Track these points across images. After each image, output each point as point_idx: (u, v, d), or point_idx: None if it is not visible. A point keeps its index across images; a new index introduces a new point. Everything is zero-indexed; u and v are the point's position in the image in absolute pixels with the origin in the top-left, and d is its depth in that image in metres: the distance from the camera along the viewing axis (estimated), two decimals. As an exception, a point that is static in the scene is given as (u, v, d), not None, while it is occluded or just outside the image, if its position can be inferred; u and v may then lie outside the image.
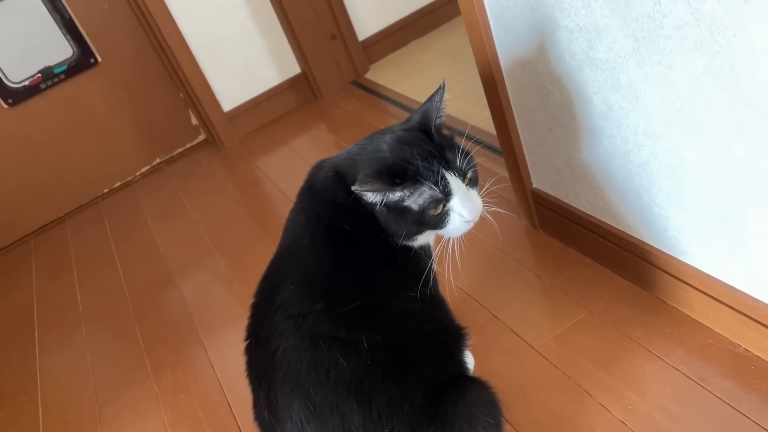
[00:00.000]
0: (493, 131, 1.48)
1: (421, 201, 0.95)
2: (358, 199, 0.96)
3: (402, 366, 0.93)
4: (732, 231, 1.00)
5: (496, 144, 1.54)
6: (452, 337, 1.05)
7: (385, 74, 2.68)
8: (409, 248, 1.03)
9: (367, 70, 2.77)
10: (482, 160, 1.80)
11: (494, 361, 1.28)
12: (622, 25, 0.95)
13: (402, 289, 0.99)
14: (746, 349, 1.09)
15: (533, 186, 1.48)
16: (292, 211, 1.06)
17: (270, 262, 1.06)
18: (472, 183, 1.00)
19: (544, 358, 1.24)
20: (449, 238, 1.04)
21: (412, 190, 0.95)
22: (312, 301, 0.94)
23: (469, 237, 1.58)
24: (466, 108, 2.08)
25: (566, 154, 1.28)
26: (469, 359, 1.21)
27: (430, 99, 1.02)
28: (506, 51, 1.26)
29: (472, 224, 0.99)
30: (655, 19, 0.89)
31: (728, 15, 0.79)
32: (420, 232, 0.99)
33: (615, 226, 1.28)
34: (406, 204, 0.96)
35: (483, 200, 1.01)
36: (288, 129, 2.62)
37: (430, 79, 2.45)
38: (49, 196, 2.61)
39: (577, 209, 1.36)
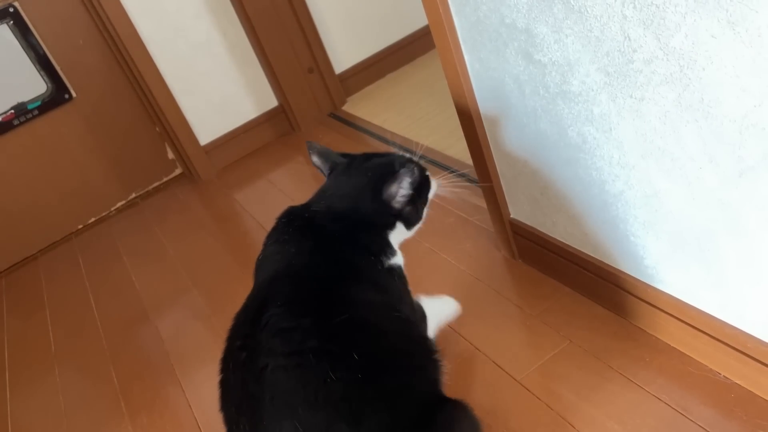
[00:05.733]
0: (470, 162, 1.49)
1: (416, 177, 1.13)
2: (355, 229, 1.09)
3: (392, 384, 0.93)
4: (707, 259, 1.01)
5: (474, 174, 1.55)
6: (434, 362, 1.06)
7: (362, 106, 2.70)
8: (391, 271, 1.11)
9: (344, 102, 2.79)
10: (459, 190, 1.81)
11: (476, 393, 1.27)
12: (594, 60, 0.97)
13: (389, 309, 1.03)
14: (726, 377, 1.10)
15: (511, 216, 1.48)
16: (269, 247, 1.09)
17: (251, 292, 1.05)
18: None
19: (527, 389, 1.23)
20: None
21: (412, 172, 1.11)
22: (301, 316, 0.94)
23: (449, 267, 1.59)
24: (442, 139, 2.10)
25: (543, 185, 1.30)
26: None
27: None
28: (481, 84, 1.28)
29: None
30: (625, 53, 0.91)
31: (696, 50, 0.81)
32: (425, 203, 1.18)
33: (593, 255, 1.29)
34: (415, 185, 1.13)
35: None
36: (266, 162, 2.61)
37: (407, 110, 2.47)
38: (22, 233, 2.56)
39: (555, 239, 1.37)
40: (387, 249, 1.12)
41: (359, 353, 0.91)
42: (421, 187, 1.15)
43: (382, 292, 1.06)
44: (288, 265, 1.05)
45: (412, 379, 0.98)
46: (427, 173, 1.18)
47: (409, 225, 1.15)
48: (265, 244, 1.12)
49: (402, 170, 1.09)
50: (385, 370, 0.94)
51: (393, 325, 1.03)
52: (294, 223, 1.12)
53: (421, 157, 1.24)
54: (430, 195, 1.20)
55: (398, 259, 1.14)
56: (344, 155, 1.20)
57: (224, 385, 0.98)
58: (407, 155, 1.19)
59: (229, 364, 0.98)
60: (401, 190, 1.10)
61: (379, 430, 0.88)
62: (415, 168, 1.12)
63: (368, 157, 1.18)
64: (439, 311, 1.33)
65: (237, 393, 0.95)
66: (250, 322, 0.97)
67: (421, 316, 1.21)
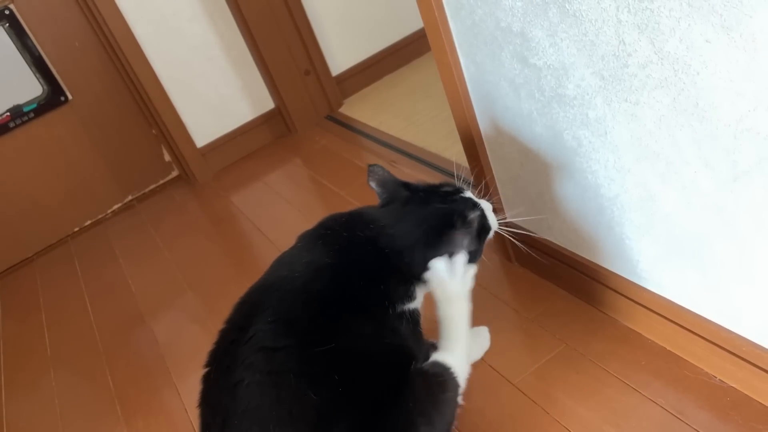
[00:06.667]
0: (466, 165, 1.49)
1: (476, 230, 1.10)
2: (384, 267, 1.04)
3: (370, 403, 0.92)
4: (702, 263, 1.01)
5: (470, 177, 1.55)
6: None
7: (358, 108, 2.70)
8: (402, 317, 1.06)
9: (341, 104, 2.79)
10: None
11: (472, 396, 1.26)
12: (589, 64, 0.97)
13: (379, 338, 1.00)
14: (721, 381, 1.10)
15: (507, 219, 1.48)
16: (294, 248, 1.08)
17: (249, 291, 1.05)
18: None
19: (523, 393, 1.23)
20: None
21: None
22: (288, 337, 0.93)
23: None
24: (438, 142, 2.10)
25: (538, 188, 1.29)
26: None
27: None
28: (477, 88, 1.28)
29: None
30: (620, 57, 0.91)
31: (690, 54, 0.81)
32: (481, 251, 1.14)
33: (588, 258, 1.29)
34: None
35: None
36: (262, 164, 2.61)
37: (403, 113, 2.47)
38: (18, 235, 2.56)
39: (550, 242, 1.37)
40: (407, 298, 1.07)
41: (340, 375, 0.90)
42: (479, 236, 1.09)
43: (377, 327, 1.01)
44: (296, 277, 1.02)
45: (392, 391, 0.96)
46: (486, 219, 1.11)
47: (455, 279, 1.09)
48: (295, 243, 1.10)
49: (461, 230, 1.03)
50: (365, 385, 0.93)
51: (380, 349, 0.99)
52: (328, 235, 1.07)
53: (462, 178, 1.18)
54: (486, 239, 1.13)
55: (416, 303, 1.09)
56: (405, 185, 1.13)
57: (206, 382, 0.99)
58: (466, 193, 1.12)
59: (214, 365, 0.98)
60: (460, 250, 1.05)
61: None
62: (475, 221, 1.07)
63: (428, 195, 1.11)
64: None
65: (212, 399, 0.96)
66: (239, 329, 0.97)
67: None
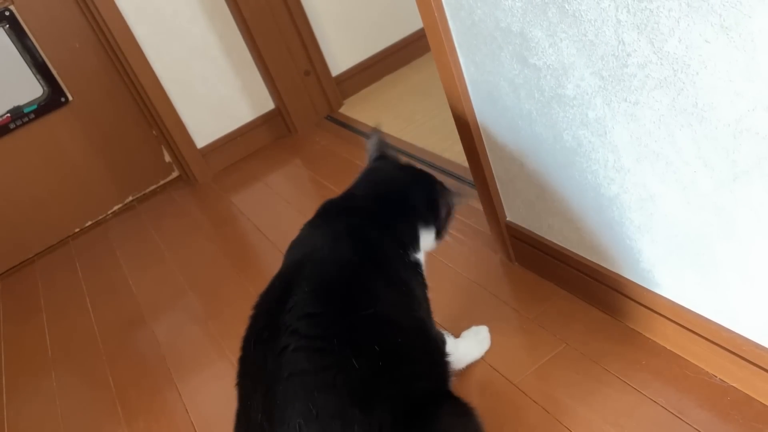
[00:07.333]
0: (466, 164, 1.49)
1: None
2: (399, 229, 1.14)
3: (407, 377, 0.95)
4: (702, 263, 1.01)
5: (470, 177, 1.55)
6: (445, 363, 1.11)
7: (359, 109, 2.70)
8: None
9: (340, 105, 2.79)
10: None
11: (472, 396, 1.26)
12: (588, 64, 0.97)
13: (409, 308, 1.06)
14: (722, 380, 1.10)
15: (507, 219, 1.48)
16: (304, 230, 1.13)
17: (274, 279, 1.07)
18: None
19: (523, 393, 1.23)
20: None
21: None
22: (327, 303, 0.96)
23: (445, 270, 1.59)
24: (438, 142, 2.10)
25: (538, 188, 1.30)
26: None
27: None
28: (477, 87, 1.28)
29: None
30: (619, 57, 0.91)
31: (690, 54, 0.81)
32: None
33: (589, 258, 1.29)
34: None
35: None
36: (262, 165, 2.61)
37: (404, 113, 2.47)
38: (18, 236, 2.56)
39: (551, 242, 1.37)
40: (415, 243, 1.14)
41: (381, 346, 0.93)
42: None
43: (404, 290, 1.07)
44: (318, 249, 1.06)
45: (426, 375, 1.01)
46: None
47: (438, 235, 1.21)
48: (301, 229, 1.15)
49: (444, 193, 1.20)
50: (403, 363, 0.96)
51: (412, 323, 1.05)
52: (330, 210, 1.16)
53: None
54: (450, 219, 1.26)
55: (422, 257, 1.16)
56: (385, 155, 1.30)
57: (243, 361, 0.99)
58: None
59: (251, 342, 0.99)
60: (451, 202, 1.20)
61: (390, 417, 0.89)
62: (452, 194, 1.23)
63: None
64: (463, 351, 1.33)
65: (255, 368, 0.96)
66: (276, 302, 0.98)
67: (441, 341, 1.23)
